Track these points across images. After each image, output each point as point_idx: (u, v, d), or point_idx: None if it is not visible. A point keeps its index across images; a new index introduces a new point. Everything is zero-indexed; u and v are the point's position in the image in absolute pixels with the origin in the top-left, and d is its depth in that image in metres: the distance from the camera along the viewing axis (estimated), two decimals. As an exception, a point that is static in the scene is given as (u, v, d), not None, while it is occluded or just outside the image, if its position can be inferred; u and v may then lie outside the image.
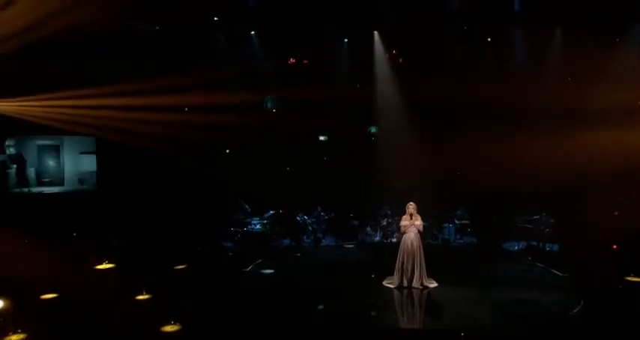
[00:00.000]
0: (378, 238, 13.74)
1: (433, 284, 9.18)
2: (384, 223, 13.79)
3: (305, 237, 13.55)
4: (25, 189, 14.21)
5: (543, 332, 7.30)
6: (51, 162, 15.08)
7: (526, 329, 7.38)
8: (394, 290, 9.07)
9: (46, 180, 14.60)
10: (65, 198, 13.85)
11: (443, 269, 9.67)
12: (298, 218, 13.74)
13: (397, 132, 14.40)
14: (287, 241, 13.34)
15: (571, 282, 9.53)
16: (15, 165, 14.63)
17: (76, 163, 15.64)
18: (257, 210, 13.57)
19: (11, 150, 14.91)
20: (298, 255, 11.85)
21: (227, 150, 14.24)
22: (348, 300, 8.72)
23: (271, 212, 13.53)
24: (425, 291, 9.00)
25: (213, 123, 13.11)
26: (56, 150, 15.81)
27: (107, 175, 13.98)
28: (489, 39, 13.53)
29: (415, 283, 9.04)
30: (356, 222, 14.16)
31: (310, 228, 13.69)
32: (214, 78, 13.05)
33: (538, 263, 10.93)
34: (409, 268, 9.06)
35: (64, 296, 8.67)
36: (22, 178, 14.64)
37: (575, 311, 7.92)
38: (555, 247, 12.53)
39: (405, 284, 9.06)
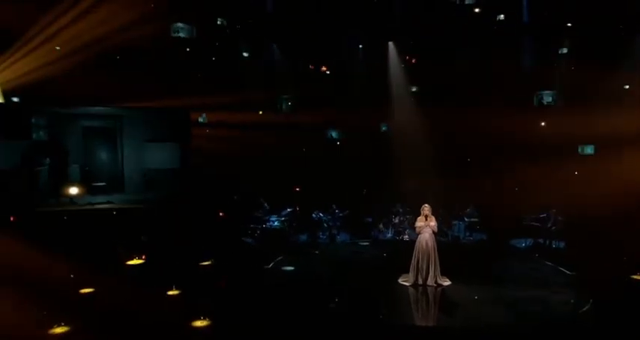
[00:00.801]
0: (390, 235, 13.86)
1: (447, 282, 9.27)
2: (396, 221, 13.92)
3: (320, 233, 13.70)
4: (65, 201, 9.02)
5: (554, 331, 7.31)
6: (103, 155, 9.80)
7: (537, 328, 7.38)
8: (409, 287, 9.17)
9: (99, 185, 9.15)
10: (128, 218, 9.53)
11: (456, 268, 9.72)
12: (314, 215, 13.91)
13: (410, 132, 14.48)
14: (304, 237, 13.52)
15: (579, 280, 9.55)
16: (48, 161, 9.43)
17: (138, 155, 10.66)
18: (275, 207, 13.70)
19: (41, 134, 9.59)
20: (316, 252, 11.94)
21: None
22: (365, 297, 8.81)
23: (289, 210, 13.68)
24: (439, 289, 9.08)
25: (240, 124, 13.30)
26: (111, 136, 10.29)
27: (188, 175, 10.87)
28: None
29: (430, 281, 9.15)
30: (369, 219, 14.31)
31: (325, 224, 13.85)
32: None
33: (547, 262, 10.95)
34: (424, 267, 9.18)
35: (100, 290, 8.76)
36: (60, 182, 9.31)
37: (584, 309, 7.94)
38: (561, 244, 12.55)
39: (420, 281, 9.17)
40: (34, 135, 9.21)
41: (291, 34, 13.31)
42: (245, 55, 13.76)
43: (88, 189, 8.06)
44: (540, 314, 7.94)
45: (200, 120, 13.23)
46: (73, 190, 7.99)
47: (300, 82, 14.25)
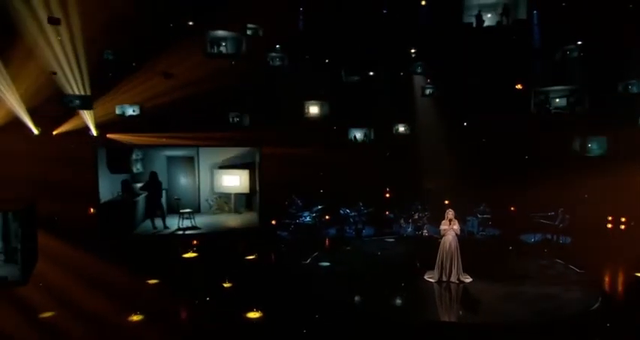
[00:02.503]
0: (410, 230, 14.11)
1: (468, 279, 9.54)
2: (416, 217, 14.17)
3: (347, 227, 14.04)
4: (162, 228, 9.35)
5: (567, 327, 7.51)
6: (183, 180, 9.93)
7: (553, 325, 7.59)
8: (434, 283, 9.47)
9: (186, 211, 9.17)
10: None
11: (475, 265, 9.91)
12: (341, 211, 14.26)
13: (431, 135, 14.67)
14: (332, 231, 13.87)
15: (589, 278, 9.69)
16: (146, 192, 9.66)
17: (212, 180, 11.25)
18: (307, 204, 14.06)
19: (139, 167, 10.14)
20: (348, 248, 12.21)
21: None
22: (392, 292, 9.10)
23: (319, 206, 14.04)
24: (461, 285, 9.37)
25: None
26: (190, 164, 10.77)
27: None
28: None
29: (452, 278, 9.45)
30: (391, 216, 14.62)
31: (352, 220, 14.19)
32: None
33: (558, 260, 11.05)
34: (447, 265, 9.48)
35: (165, 281, 9.30)
36: (154, 211, 9.57)
37: (594, 307, 8.15)
38: (568, 240, 12.70)
39: (444, 278, 9.47)
40: (134, 169, 9.90)
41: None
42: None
43: (178, 215, 8.44)
44: (553, 310, 8.11)
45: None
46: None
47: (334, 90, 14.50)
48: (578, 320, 7.78)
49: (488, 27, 11.18)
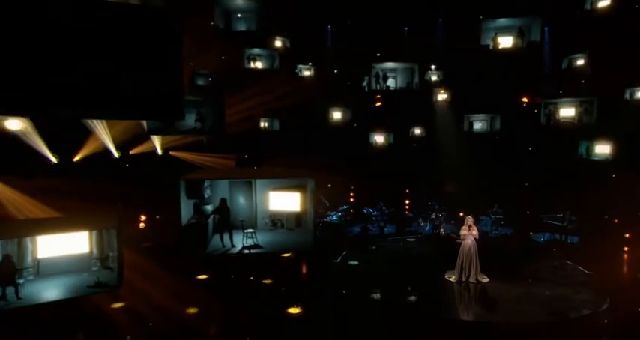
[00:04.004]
0: (427, 228, 14.39)
1: (485, 280, 9.85)
2: (433, 216, 14.47)
3: (370, 226, 14.38)
4: (230, 246, 9.66)
5: (578, 328, 7.73)
6: (241, 200, 9.91)
7: (565, 324, 7.82)
8: (455, 283, 9.81)
9: (250, 232, 9.10)
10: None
11: (491, 266, 10.12)
12: (365, 211, 14.63)
13: (450, 141, 14.88)
14: (357, 229, 14.22)
15: (597, 280, 9.84)
16: (216, 215, 9.99)
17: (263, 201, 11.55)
18: (334, 205, 14.49)
19: (208, 192, 10.47)
20: (373, 247, 12.53)
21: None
22: (415, 291, 9.40)
23: (344, 206, 14.42)
24: (479, 285, 9.67)
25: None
26: (248, 187, 10.96)
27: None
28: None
29: (471, 278, 9.77)
30: (410, 215, 14.93)
31: (374, 218, 14.56)
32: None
33: (567, 261, 11.18)
34: (467, 267, 9.80)
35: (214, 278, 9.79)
36: (224, 231, 9.81)
37: (603, 308, 8.34)
38: (575, 239, 12.86)
39: (464, 278, 9.80)
40: (205, 194, 10.30)
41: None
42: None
43: (243, 234, 8.75)
44: (566, 311, 8.32)
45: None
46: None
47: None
48: (589, 321, 7.97)
49: (504, 48, 11.28)
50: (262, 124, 15.60)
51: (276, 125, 16.08)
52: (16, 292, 6.02)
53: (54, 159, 11.45)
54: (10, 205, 10.03)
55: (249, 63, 13.78)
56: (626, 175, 11.64)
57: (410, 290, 9.44)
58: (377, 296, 9.27)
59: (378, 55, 13.51)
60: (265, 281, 9.68)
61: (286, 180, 10.34)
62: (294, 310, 8.43)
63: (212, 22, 11.19)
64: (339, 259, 11.31)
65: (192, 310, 8.39)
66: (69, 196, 9.40)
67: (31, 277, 6.32)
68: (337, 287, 9.53)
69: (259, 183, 11.29)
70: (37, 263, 6.58)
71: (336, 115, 15.59)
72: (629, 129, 12.54)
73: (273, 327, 7.84)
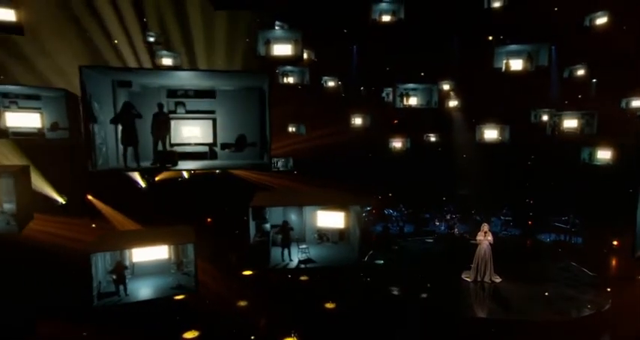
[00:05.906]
0: (442, 228, 14.75)
1: (498, 279, 10.28)
2: (448, 217, 14.86)
3: (391, 225, 14.85)
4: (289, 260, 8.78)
5: (583, 327, 8.09)
6: (293, 217, 9.39)
7: (572, 324, 8.20)
8: (470, 283, 10.28)
9: (304, 247, 8.48)
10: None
11: (502, 266, 10.43)
12: (386, 211, 15.12)
13: (464, 146, 15.19)
14: (379, 228, 14.70)
15: (600, 281, 10.12)
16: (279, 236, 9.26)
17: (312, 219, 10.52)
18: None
19: (267, 211, 9.42)
20: (396, 247, 12.96)
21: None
22: (433, 290, 9.79)
23: (368, 207, 14.90)
24: (492, 285, 10.12)
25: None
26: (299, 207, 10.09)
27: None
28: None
29: (486, 278, 10.23)
30: (427, 216, 15.37)
31: (394, 218, 15.03)
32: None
33: (572, 263, 11.45)
34: (482, 268, 10.27)
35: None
36: (284, 248, 8.87)
37: (606, 308, 8.70)
38: (579, 240, 13.15)
39: (479, 278, 10.27)
40: (266, 215, 9.47)
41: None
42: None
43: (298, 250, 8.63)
44: (572, 310, 8.70)
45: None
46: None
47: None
48: (593, 320, 8.35)
49: (515, 70, 11.66)
50: (290, 129, 16.16)
51: (303, 129, 16.53)
52: (125, 289, 6.82)
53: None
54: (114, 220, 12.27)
55: (282, 79, 14.26)
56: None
57: (429, 287, 9.90)
58: (397, 292, 9.77)
59: (399, 75, 13.85)
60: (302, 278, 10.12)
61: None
62: (330, 305, 8.98)
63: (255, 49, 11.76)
64: (366, 258, 11.76)
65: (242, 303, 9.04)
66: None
67: (129, 276, 7.18)
68: (367, 283, 10.04)
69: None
70: (133, 265, 7.43)
71: (357, 121, 15.97)
72: (625, 139, 12.66)
73: (313, 320, 8.40)
